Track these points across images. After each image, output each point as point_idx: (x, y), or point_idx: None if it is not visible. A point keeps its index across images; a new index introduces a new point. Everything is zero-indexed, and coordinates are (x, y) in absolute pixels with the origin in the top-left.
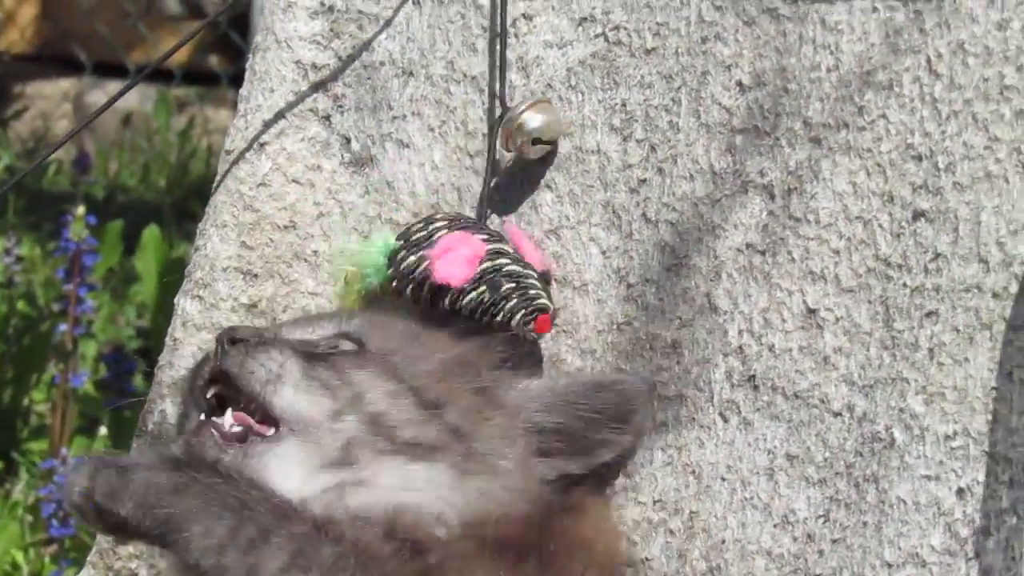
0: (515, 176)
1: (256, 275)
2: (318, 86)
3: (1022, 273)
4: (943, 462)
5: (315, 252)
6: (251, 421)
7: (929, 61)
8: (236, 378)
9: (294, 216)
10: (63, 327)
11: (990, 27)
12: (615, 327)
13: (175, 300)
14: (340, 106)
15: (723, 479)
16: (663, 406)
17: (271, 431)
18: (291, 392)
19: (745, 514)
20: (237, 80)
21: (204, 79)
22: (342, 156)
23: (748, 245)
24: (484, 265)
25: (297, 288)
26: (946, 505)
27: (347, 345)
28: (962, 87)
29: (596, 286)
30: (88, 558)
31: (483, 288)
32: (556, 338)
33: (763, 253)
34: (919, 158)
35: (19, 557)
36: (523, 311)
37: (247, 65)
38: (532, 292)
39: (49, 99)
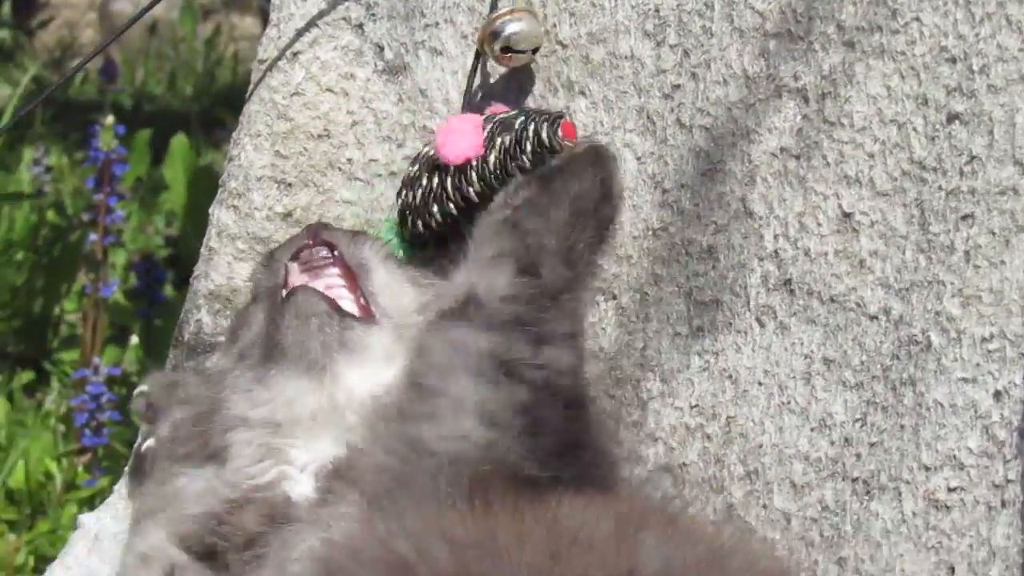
0: (549, 82)
1: (291, 184)
2: None
3: None
4: (980, 364)
5: (349, 160)
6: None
7: None
8: (340, 248)
9: (328, 125)
10: (93, 237)
11: None
12: (650, 233)
13: (209, 210)
14: (373, 14)
15: (760, 384)
16: (699, 311)
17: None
18: (385, 280)
19: (782, 418)
20: None
21: None
22: (375, 64)
23: (783, 149)
24: (488, 127)
25: (332, 197)
26: (983, 407)
27: None
28: None
29: (631, 192)
30: (125, 468)
31: (498, 138)
32: None
33: (798, 157)
34: (953, 60)
35: (52, 466)
36: (545, 123)
37: None
38: (542, 112)
39: (74, 8)
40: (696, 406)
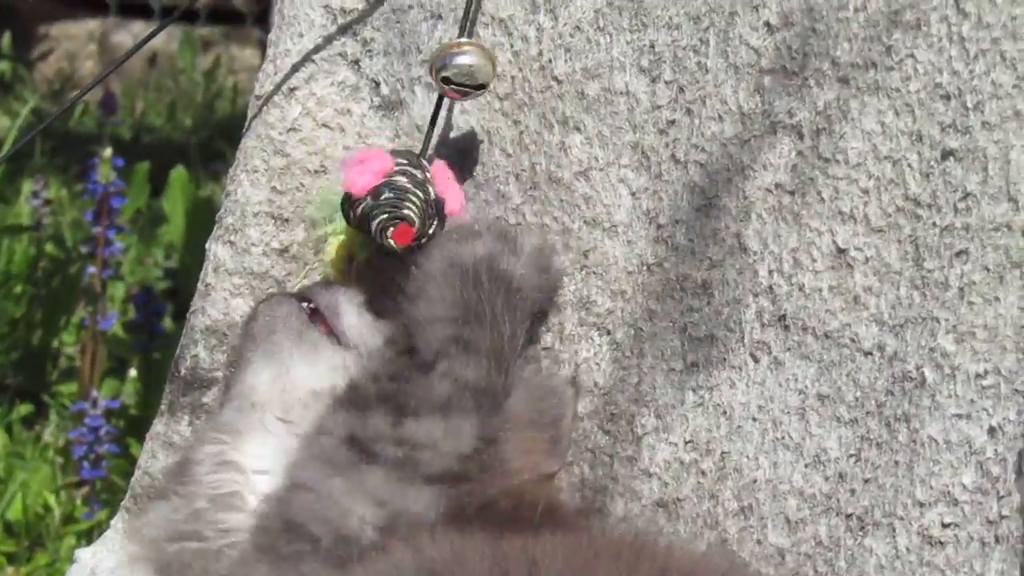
0: (544, 117)
1: (287, 220)
2: (347, 30)
3: None
4: (974, 401)
5: None
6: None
7: (956, 0)
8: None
9: (324, 160)
10: (92, 269)
11: None
12: (645, 268)
13: (206, 245)
14: (369, 50)
15: (754, 419)
16: (694, 346)
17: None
18: (354, 322)
19: (777, 454)
20: (262, 19)
21: (229, 18)
22: (372, 100)
23: (777, 185)
24: (383, 179)
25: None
26: (977, 444)
27: None
28: (990, 26)
29: (626, 227)
30: (122, 503)
31: (367, 197)
32: (586, 280)
33: (792, 193)
34: (947, 97)
35: (51, 499)
36: (386, 215)
37: (275, 10)
38: (407, 205)
39: (74, 39)
40: (690, 441)
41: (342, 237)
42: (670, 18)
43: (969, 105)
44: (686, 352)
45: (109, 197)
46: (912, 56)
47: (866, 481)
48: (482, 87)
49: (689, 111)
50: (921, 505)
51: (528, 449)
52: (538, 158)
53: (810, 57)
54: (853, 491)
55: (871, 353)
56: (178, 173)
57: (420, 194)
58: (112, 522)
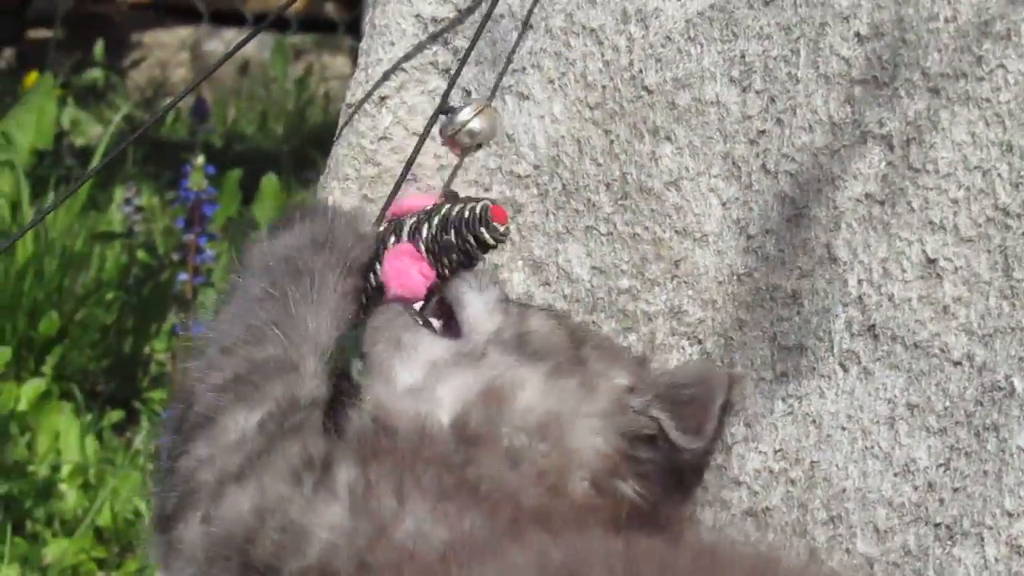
0: (635, 128)
1: None
2: (438, 39)
3: None
4: None
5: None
6: None
7: None
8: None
9: (415, 169)
10: (183, 276)
11: None
12: (735, 278)
13: None
14: (460, 59)
15: (843, 428)
16: (783, 355)
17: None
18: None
19: (866, 463)
20: (354, 27)
21: (320, 26)
22: None
23: (867, 195)
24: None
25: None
26: None
27: None
28: None
29: (716, 237)
30: None
31: (444, 260)
32: (677, 289)
33: (882, 203)
34: None
35: (141, 505)
36: (476, 218)
37: (367, 19)
38: (468, 209)
39: (166, 48)
40: (780, 450)
41: None
42: (761, 28)
43: None
44: (776, 361)
45: (201, 204)
46: (1002, 66)
47: (955, 490)
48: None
49: (779, 121)
50: (1010, 515)
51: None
52: (629, 168)
53: (900, 67)
54: (942, 500)
55: (960, 363)
56: (269, 181)
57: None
58: None
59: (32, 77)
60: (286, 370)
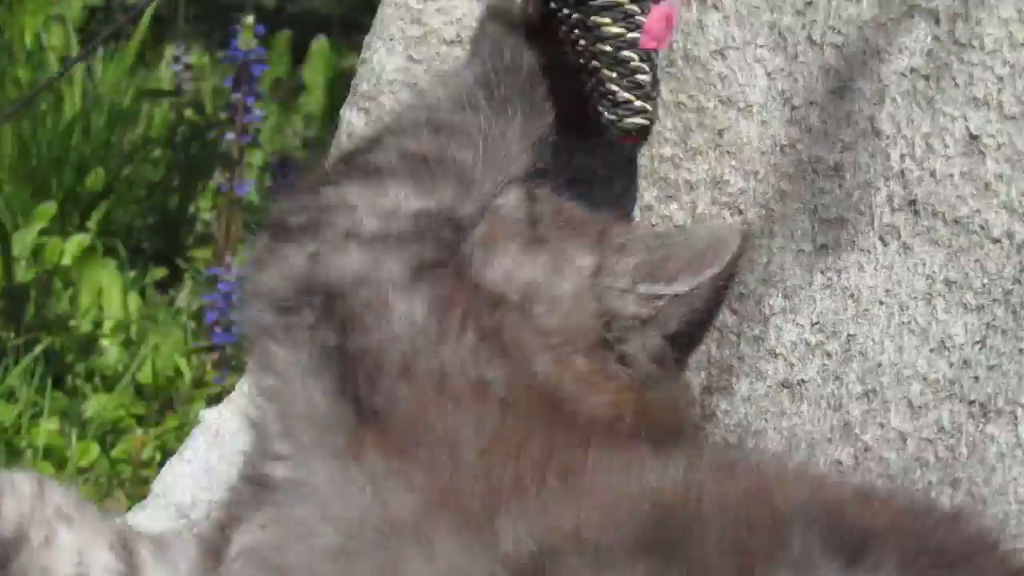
0: None
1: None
2: None
3: None
4: None
5: None
6: None
7: None
8: None
9: (461, 30)
10: (230, 136)
11: None
12: (778, 149)
13: (340, 112)
14: None
15: (881, 303)
16: (824, 228)
17: None
18: None
19: (902, 338)
20: None
21: None
22: None
23: (912, 70)
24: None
25: None
26: None
27: None
28: None
29: (760, 107)
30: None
31: None
32: (720, 159)
33: (927, 78)
34: None
35: (182, 363)
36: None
37: None
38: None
39: None
40: (817, 323)
41: None
42: None
43: None
44: (816, 234)
45: (250, 65)
46: None
47: (990, 368)
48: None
49: None
50: None
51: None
52: (675, 35)
53: None
54: (977, 378)
55: (1000, 240)
56: (319, 44)
57: None
58: (238, 384)
59: None
60: (464, 183)
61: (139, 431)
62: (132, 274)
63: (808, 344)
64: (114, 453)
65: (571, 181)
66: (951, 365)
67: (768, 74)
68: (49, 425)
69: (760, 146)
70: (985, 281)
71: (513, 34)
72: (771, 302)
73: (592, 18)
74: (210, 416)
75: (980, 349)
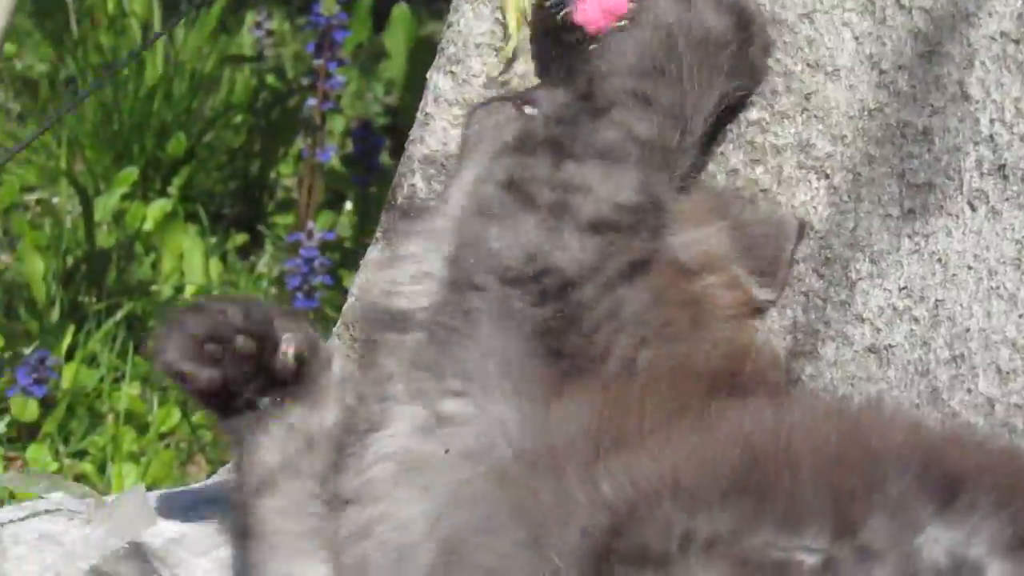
0: None
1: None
2: None
3: None
4: None
5: None
6: None
7: None
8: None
9: None
10: (311, 101)
11: None
12: (866, 113)
13: (427, 75)
14: None
15: (969, 268)
16: (911, 193)
17: None
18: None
19: (991, 303)
20: None
21: None
22: None
23: (1002, 33)
24: (618, 23)
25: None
26: None
27: None
28: None
29: (848, 71)
30: (334, 329)
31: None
32: (807, 123)
33: (1017, 42)
34: None
35: None
36: None
37: None
38: None
39: None
40: (904, 288)
41: None
42: None
43: None
44: (903, 198)
45: (332, 30)
46: None
47: None
48: None
49: None
50: None
51: (731, 283)
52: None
53: None
54: None
55: None
56: (400, 9)
57: None
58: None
59: None
60: (677, 119)
61: None
62: (213, 239)
63: (895, 309)
64: (195, 418)
65: None
66: None
67: (856, 38)
68: (131, 390)
69: (848, 110)
70: None
71: None
72: (858, 267)
73: None
74: None
75: None
